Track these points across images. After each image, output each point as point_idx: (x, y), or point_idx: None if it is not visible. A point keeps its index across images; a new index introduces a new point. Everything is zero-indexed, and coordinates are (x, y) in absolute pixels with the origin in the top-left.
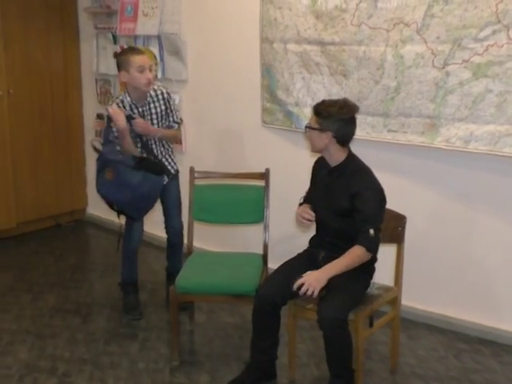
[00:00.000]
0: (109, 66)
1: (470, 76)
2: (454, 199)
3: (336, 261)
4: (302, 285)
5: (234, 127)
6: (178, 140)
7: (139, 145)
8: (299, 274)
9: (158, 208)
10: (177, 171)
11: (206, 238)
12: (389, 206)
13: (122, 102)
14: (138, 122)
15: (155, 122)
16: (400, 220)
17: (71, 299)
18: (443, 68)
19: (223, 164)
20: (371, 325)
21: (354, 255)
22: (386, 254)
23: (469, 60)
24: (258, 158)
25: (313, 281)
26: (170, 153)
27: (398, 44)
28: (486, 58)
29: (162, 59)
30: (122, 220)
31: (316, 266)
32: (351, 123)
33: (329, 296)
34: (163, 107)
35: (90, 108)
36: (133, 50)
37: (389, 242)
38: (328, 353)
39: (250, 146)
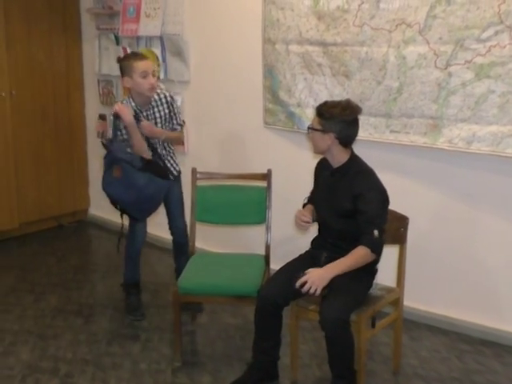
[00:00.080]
0: (111, 66)
1: (472, 77)
2: (456, 200)
3: (339, 260)
4: (305, 282)
5: (236, 128)
6: (180, 142)
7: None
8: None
9: (160, 209)
10: (179, 172)
11: (208, 239)
12: (391, 206)
13: None
14: (144, 124)
15: (159, 125)
16: (402, 221)
17: (73, 300)
18: (446, 69)
19: (225, 165)
20: (373, 325)
21: (358, 255)
22: (389, 254)
23: (471, 61)
24: (260, 158)
25: (316, 279)
26: (172, 154)
27: (401, 45)
28: (488, 58)
29: (164, 60)
30: (125, 221)
31: (318, 267)
32: (354, 124)
33: (331, 297)
34: (167, 110)
35: (92, 109)
36: (136, 56)
37: (391, 242)
38: (330, 353)
39: (252, 146)
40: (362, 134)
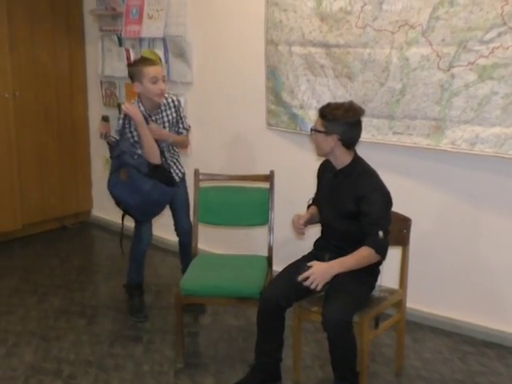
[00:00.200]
0: (114, 68)
1: (475, 78)
2: (459, 201)
3: (343, 258)
4: (307, 277)
5: (238, 129)
6: (185, 146)
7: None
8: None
9: (165, 211)
10: (183, 174)
11: (210, 240)
12: (394, 208)
13: None
14: (152, 127)
15: (167, 129)
16: (405, 222)
17: (76, 301)
18: (448, 70)
19: (228, 166)
20: (377, 326)
21: (362, 255)
22: (391, 256)
23: (474, 62)
24: (263, 160)
25: (318, 275)
26: (177, 156)
27: (403, 46)
28: (491, 60)
29: (166, 61)
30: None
31: (327, 284)
32: (357, 126)
33: (333, 298)
34: (174, 114)
35: (96, 110)
36: (146, 61)
37: (394, 244)
38: (332, 355)
39: (255, 148)
40: (364, 135)
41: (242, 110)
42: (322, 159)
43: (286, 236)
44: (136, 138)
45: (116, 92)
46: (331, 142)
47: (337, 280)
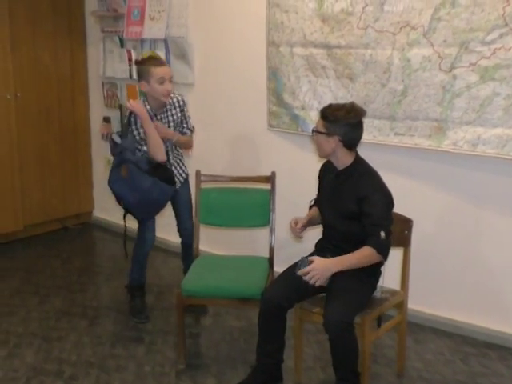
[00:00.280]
0: (115, 69)
1: (477, 79)
2: (461, 202)
3: (345, 256)
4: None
5: (240, 130)
6: (189, 146)
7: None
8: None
9: (165, 212)
10: (187, 175)
11: (212, 242)
12: (396, 209)
13: None
14: (157, 124)
15: (172, 128)
16: (406, 223)
17: (78, 302)
18: (450, 71)
19: (229, 167)
20: (379, 325)
21: (363, 255)
22: (393, 257)
23: (476, 63)
24: (264, 161)
25: (318, 272)
26: (181, 157)
27: (405, 47)
28: (493, 61)
29: (168, 63)
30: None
31: (327, 280)
32: (358, 127)
33: (335, 299)
34: (179, 114)
35: (97, 111)
36: (154, 61)
37: (395, 245)
38: (334, 356)
39: (256, 149)
40: (366, 136)
41: (243, 112)
42: (324, 160)
43: (288, 237)
44: (142, 135)
45: (117, 93)
46: (332, 143)
47: (338, 281)
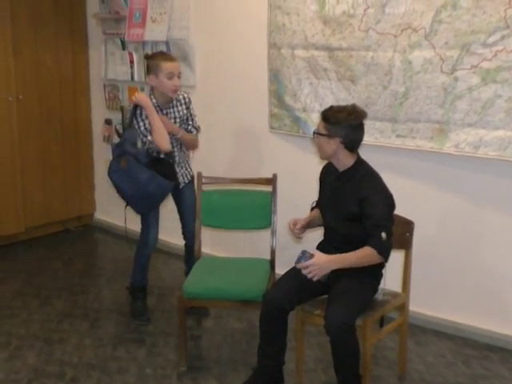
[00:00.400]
0: (117, 71)
1: (478, 81)
2: (462, 204)
3: (345, 254)
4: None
5: (241, 132)
6: (194, 146)
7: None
8: (307, 279)
9: (167, 215)
10: (192, 177)
11: (213, 244)
12: (397, 210)
13: None
14: (162, 118)
15: (177, 125)
16: (408, 226)
17: (79, 304)
18: (452, 73)
19: (231, 169)
20: (381, 325)
21: (364, 254)
22: (394, 259)
23: (477, 65)
24: (266, 163)
25: (317, 267)
26: (187, 158)
27: (406, 49)
28: (494, 63)
29: None
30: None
31: (326, 280)
32: (359, 129)
33: (336, 301)
34: (185, 111)
35: (99, 113)
36: (164, 56)
37: (397, 247)
38: (335, 358)
39: (258, 151)
40: (367, 138)
41: (244, 114)
42: (325, 162)
43: (289, 239)
44: (147, 126)
45: (119, 95)
46: (334, 144)
47: (340, 283)
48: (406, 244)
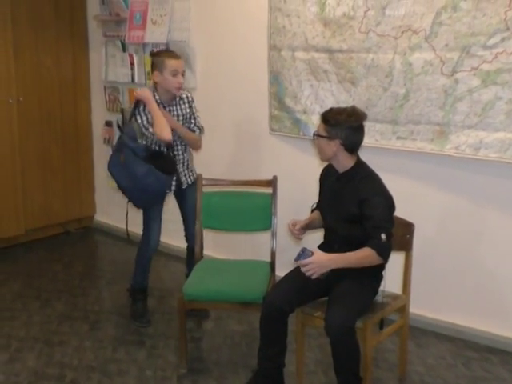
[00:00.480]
0: (117, 73)
1: (479, 83)
2: (463, 205)
3: (345, 254)
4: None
5: (241, 134)
6: (197, 146)
7: (163, 147)
8: (307, 281)
9: (168, 217)
10: (196, 179)
11: (214, 245)
12: (398, 212)
13: None
14: (164, 113)
15: (180, 123)
16: (408, 227)
17: (79, 306)
18: (452, 75)
19: (231, 171)
20: (381, 328)
21: (363, 255)
22: (394, 261)
23: (478, 67)
24: (266, 165)
25: (315, 266)
26: (191, 160)
27: (407, 51)
28: (495, 65)
29: None
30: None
31: (325, 278)
32: (359, 131)
33: (336, 303)
34: (188, 110)
35: (99, 115)
36: (169, 53)
37: (397, 249)
38: (335, 360)
39: (258, 153)
40: (368, 140)
41: (245, 116)
42: (325, 164)
43: (289, 241)
44: (150, 119)
45: (119, 97)
46: (334, 146)
47: (340, 285)
48: (406, 246)
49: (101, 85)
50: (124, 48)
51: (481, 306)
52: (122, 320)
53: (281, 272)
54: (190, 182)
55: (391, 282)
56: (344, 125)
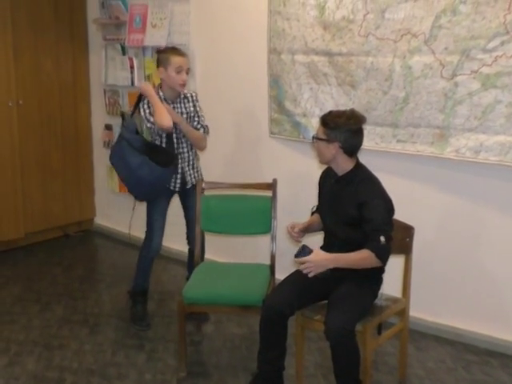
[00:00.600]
0: (117, 76)
1: (478, 87)
2: (463, 208)
3: (343, 254)
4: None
5: (241, 138)
6: (201, 145)
7: (164, 139)
8: (307, 284)
9: (168, 219)
10: (198, 180)
11: (213, 249)
12: (397, 215)
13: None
14: (165, 106)
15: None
16: (408, 231)
17: (79, 310)
18: (452, 79)
19: (231, 174)
20: (379, 333)
21: (361, 257)
22: (394, 264)
23: (477, 71)
24: (266, 168)
25: (313, 265)
26: (197, 159)
27: (406, 55)
28: (494, 68)
29: None
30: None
31: (323, 278)
32: (358, 134)
33: (336, 306)
34: (192, 108)
35: (99, 119)
36: (175, 50)
37: (397, 252)
38: (335, 364)
39: (258, 156)
40: (368, 143)
41: (244, 119)
42: (325, 167)
43: (289, 244)
44: (152, 111)
45: (119, 100)
46: (333, 149)
47: (340, 288)
48: (406, 249)
49: (100, 88)
50: (124, 51)
51: (481, 310)
52: (122, 323)
53: (280, 275)
54: (194, 182)
55: (391, 285)
56: (343, 128)
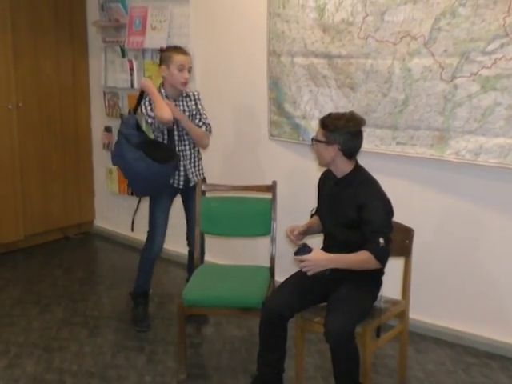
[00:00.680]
0: (117, 79)
1: (478, 89)
2: (463, 210)
3: (342, 255)
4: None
5: (241, 140)
6: (203, 143)
7: (166, 136)
8: (307, 286)
9: (169, 221)
10: (203, 180)
11: (213, 251)
12: (397, 217)
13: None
14: (166, 102)
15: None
16: (408, 233)
17: (79, 312)
18: (451, 81)
19: (230, 176)
20: (378, 335)
21: (360, 258)
22: (394, 267)
23: (477, 73)
24: (265, 170)
25: (312, 263)
26: (200, 160)
27: (406, 57)
28: (494, 71)
29: None
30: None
31: (323, 281)
32: (358, 136)
33: (336, 309)
34: (193, 107)
35: (98, 121)
36: (177, 49)
37: (396, 255)
38: (335, 366)
39: (257, 158)
40: (368, 145)
41: (244, 121)
42: (324, 169)
43: (288, 246)
44: (153, 106)
45: (119, 103)
46: (332, 151)
47: (339, 290)
48: (405, 251)
49: (100, 90)
50: (123, 54)
51: (480, 312)
52: (122, 325)
53: (280, 277)
54: (195, 180)
55: (390, 287)
56: (342, 130)
